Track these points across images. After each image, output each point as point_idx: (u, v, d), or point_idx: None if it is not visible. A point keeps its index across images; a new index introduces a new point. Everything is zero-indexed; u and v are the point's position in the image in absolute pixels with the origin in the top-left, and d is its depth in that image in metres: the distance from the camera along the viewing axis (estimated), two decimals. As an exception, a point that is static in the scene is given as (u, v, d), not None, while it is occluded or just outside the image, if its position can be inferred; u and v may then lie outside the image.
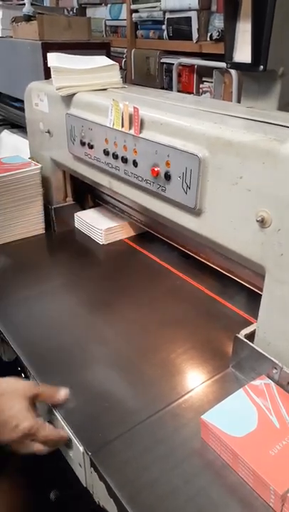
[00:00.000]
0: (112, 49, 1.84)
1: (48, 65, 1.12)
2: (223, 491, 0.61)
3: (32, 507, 0.87)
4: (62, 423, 0.71)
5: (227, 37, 0.88)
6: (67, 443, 0.70)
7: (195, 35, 1.63)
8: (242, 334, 0.79)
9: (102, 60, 1.16)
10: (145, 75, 1.95)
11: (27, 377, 0.82)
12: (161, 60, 1.86)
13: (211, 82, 1.66)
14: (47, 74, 1.43)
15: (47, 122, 1.25)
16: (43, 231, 1.32)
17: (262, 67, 0.82)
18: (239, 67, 0.92)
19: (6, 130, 2.08)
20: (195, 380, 0.80)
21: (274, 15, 0.78)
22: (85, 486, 0.70)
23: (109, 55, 1.60)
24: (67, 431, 0.69)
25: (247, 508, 0.59)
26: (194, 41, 1.65)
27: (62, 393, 0.74)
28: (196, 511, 0.59)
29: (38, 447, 0.69)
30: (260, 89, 0.89)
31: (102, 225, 1.27)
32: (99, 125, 1.01)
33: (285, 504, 0.57)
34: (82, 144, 1.08)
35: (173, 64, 1.76)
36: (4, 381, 0.72)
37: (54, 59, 1.14)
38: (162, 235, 1.20)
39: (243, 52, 0.86)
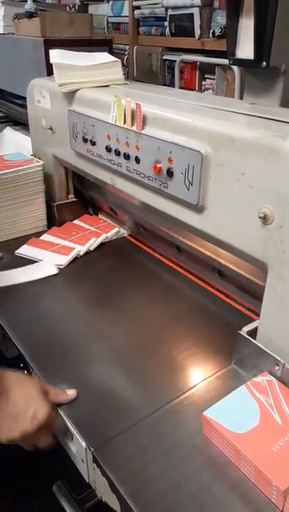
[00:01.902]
0: (114, 46, 1.83)
1: (50, 62, 1.12)
2: (226, 487, 0.61)
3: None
4: (65, 419, 0.71)
5: (229, 33, 0.88)
6: (65, 431, 0.70)
7: (197, 31, 1.63)
8: (244, 331, 0.79)
9: (104, 57, 1.16)
10: (147, 71, 1.94)
11: (29, 373, 0.82)
12: (164, 57, 1.86)
13: (214, 79, 1.65)
14: (49, 71, 1.42)
15: (49, 119, 1.25)
16: (45, 228, 1.32)
17: (264, 63, 0.82)
18: (242, 63, 0.92)
19: (8, 127, 2.08)
20: (197, 376, 0.80)
21: (277, 11, 0.77)
22: (87, 481, 0.70)
23: (111, 52, 1.59)
24: (69, 426, 0.70)
25: (249, 504, 0.59)
26: (196, 38, 1.64)
27: (70, 393, 0.74)
28: (199, 507, 0.59)
29: (46, 440, 0.69)
30: (262, 86, 0.89)
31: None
32: (101, 121, 1.00)
33: (287, 500, 0.58)
34: (85, 140, 1.08)
35: (175, 61, 1.75)
36: (16, 374, 0.72)
37: (56, 55, 1.13)
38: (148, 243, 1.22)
39: (245, 49, 0.86)
